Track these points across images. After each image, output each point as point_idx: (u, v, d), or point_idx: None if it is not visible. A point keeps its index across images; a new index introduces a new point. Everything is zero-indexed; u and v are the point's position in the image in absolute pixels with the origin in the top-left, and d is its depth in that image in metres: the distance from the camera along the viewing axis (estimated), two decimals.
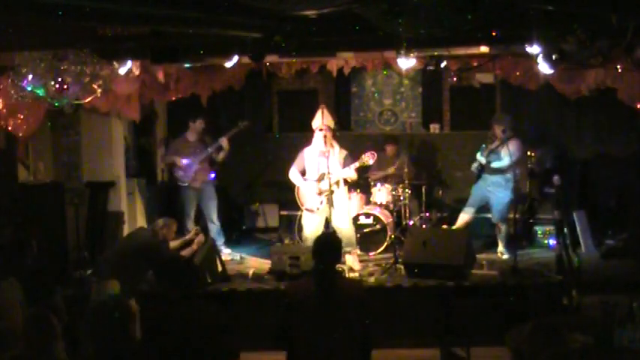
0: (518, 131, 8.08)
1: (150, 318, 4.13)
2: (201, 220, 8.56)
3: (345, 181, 7.48)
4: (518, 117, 9.67)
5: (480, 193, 8.08)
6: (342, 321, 3.86)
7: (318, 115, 7.39)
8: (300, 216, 7.79)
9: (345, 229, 7.47)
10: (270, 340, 4.09)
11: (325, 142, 7.32)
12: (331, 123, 7.42)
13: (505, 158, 7.77)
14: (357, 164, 7.33)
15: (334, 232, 7.12)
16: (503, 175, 7.84)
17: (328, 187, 7.20)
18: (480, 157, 7.94)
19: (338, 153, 7.42)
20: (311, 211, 7.43)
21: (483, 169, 8.05)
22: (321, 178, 7.34)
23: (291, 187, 7.66)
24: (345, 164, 7.37)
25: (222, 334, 3.84)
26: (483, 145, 8.01)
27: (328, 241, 4.14)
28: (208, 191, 8.48)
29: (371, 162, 7.38)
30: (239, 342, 3.95)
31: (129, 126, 8.75)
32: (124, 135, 8.52)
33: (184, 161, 8.23)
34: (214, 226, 8.44)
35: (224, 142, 8.23)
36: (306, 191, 7.46)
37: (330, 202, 7.22)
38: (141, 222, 8.64)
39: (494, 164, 7.86)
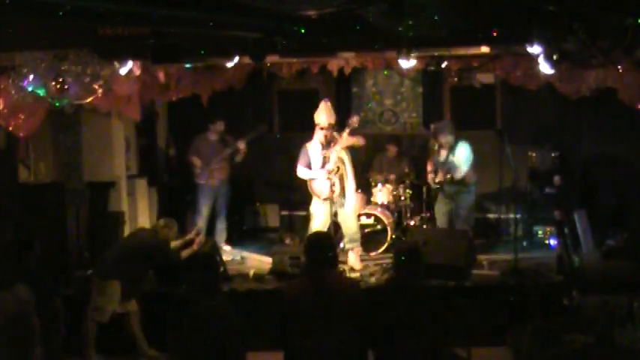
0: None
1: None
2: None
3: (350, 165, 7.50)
4: (519, 117, 9.67)
5: (446, 210, 8.00)
6: (338, 320, 3.86)
7: (322, 111, 7.40)
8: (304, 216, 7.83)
9: (350, 224, 7.51)
10: (269, 340, 4.10)
11: (325, 139, 7.37)
12: (333, 120, 7.44)
13: (462, 166, 7.72)
14: (347, 130, 7.33)
15: (328, 230, 7.14)
16: (462, 182, 7.79)
17: (332, 168, 7.25)
18: (441, 177, 7.78)
19: (339, 139, 7.42)
20: (328, 199, 7.38)
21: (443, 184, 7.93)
22: (324, 163, 7.35)
23: (291, 187, 7.68)
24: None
25: (232, 333, 3.83)
26: (429, 168, 7.97)
27: (319, 240, 4.14)
28: (226, 190, 8.70)
29: (356, 124, 7.34)
30: (247, 342, 3.95)
31: (129, 126, 8.76)
32: (124, 135, 8.52)
33: (202, 161, 8.45)
34: (222, 223, 8.55)
35: (241, 145, 8.47)
36: (318, 181, 7.46)
37: (342, 191, 7.26)
38: (142, 222, 8.64)
39: (457, 175, 7.73)
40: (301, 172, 7.53)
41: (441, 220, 8.06)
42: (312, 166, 7.50)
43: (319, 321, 3.85)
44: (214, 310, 3.88)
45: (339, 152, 7.34)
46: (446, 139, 7.84)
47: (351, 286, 4.27)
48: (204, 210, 8.51)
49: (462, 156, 7.73)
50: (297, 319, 3.88)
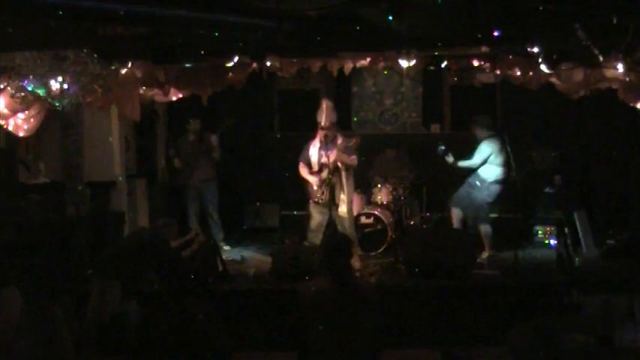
0: (498, 132, 8.06)
1: (143, 317, 4.13)
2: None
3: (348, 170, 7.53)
4: (519, 117, 9.68)
5: (461, 194, 8.07)
6: (356, 321, 3.86)
7: (323, 111, 7.42)
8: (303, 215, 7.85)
9: (347, 225, 7.52)
10: (282, 341, 4.09)
11: (325, 139, 7.39)
12: (334, 119, 7.45)
13: (474, 158, 7.81)
14: (341, 148, 7.36)
15: (342, 233, 7.17)
16: (476, 175, 7.84)
17: (326, 176, 7.29)
18: (449, 158, 7.95)
19: (342, 143, 7.44)
20: (318, 203, 7.48)
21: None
22: (320, 170, 7.40)
23: (292, 187, 7.68)
24: (351, 151, 7.41)
25: (213, 332, 3.83)
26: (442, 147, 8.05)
27: (339, 242, 4.13)
28: (210, 189, 8.64)
29: (354, 146, 7.34)
30: (230, 342, 3.95)
31: (129, 126, 8.76)
32: (124, 135, 8.52)
33: (182, 162, 8.44)
34: (214, 224, 8.55)
35: (214, 141, 8.48)
36: (313, 184, 7.52)
37: (329, 191, 7.28)
38: (142, 222, 8.64)
39: (461, 163, 7.88)
40: (301, 169, 7.60)
41: (457, 200, 8.12)
42: (311, 166, 7.53)
43: (338, 321, 3.85)
44: (198, 307, 3.88)
45: (334, 161, 7.36)
46: (475, 132, 7.97)
47: (368, 286, 4.28)
48: (192, 211, 8.53)
49: (480, 148, 7.82)
50: (315, 319, 3.87)
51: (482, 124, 7.94)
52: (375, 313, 3.94)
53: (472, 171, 7.87)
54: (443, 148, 7.96)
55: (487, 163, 7.73)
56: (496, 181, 7.77)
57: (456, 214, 8.08)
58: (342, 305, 3.87)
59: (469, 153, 7.99)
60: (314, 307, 3.90)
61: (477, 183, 7.83)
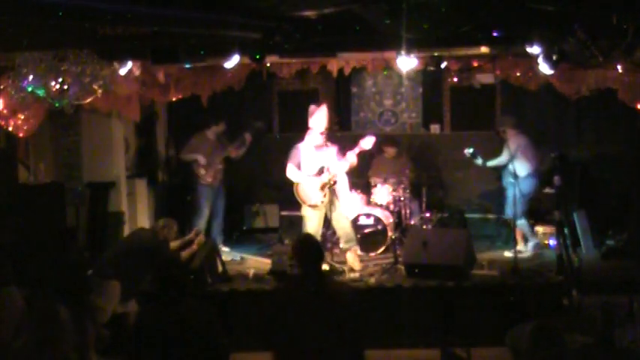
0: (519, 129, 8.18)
1: (142, 317, 4.13)
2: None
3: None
4: (518, 117, 9.66)
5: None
6: (329, 322, 3.83)
7: (323, 116, 7.42)
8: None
9: (346, 225, 7.52)
10: (261, 341, 4.07)
11: (323, 142, 7.40)
12: (329, 124, 7.48)
13: (502, 155, 7.99)
14: (357, 150, 7.39)
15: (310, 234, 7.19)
16: (508, 173, 7.96)
17: (329, 180, 7.29)
18: (478, 160, 8.15)
19: (346, 158, 7.47)
20: (315, 206, 7.44)
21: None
22: (320, 172, 7.38)
23: (291, 187, 7.66)
24: (337, 157, 7.41)
25: (212, 334, 3.83)
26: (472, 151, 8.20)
27: (307, 243, 4.11)
28: (221, 190, 8.67)
29: (369, 146, 7.40)
30: (229, 342, 3.95)
31: (129, 126, 8.75)
32: (124, 135, 8.52)
33: (206, 160, 8.34)
34: (219, 225, 8.54)
35: (248, 137, 8.50)
36: (307, 187, 7.48)
37: (334, 195, 7.29)
38: (141, 222, 8.64)
39: (490, 162, 8.10)
40: (291, 172, 7.53)
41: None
42: (302, 169, 7.51)
43: (310, 322, 3.82)
44: (197, 308, 3.88)
45: (336, 165, 7.37)
46: (504, 133, 8.13)
47: (343, 288, 4.25)
48: (206, 211, 8.48)
49: (508, 144, 7.99)
50: (289, 320, 3.85)
51: (507, 124, 8.14)
52: (351, 317, 3.89)
53: (504, 168, 8.09)
54: (471, 151, 8.13)
55: (516, 160, 7.80)
56: (529, 175, 7.87)
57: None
58: (313, 306, 3.83)
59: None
60: (286, 307, 3.87)
61: (511, 180, 7.94)
